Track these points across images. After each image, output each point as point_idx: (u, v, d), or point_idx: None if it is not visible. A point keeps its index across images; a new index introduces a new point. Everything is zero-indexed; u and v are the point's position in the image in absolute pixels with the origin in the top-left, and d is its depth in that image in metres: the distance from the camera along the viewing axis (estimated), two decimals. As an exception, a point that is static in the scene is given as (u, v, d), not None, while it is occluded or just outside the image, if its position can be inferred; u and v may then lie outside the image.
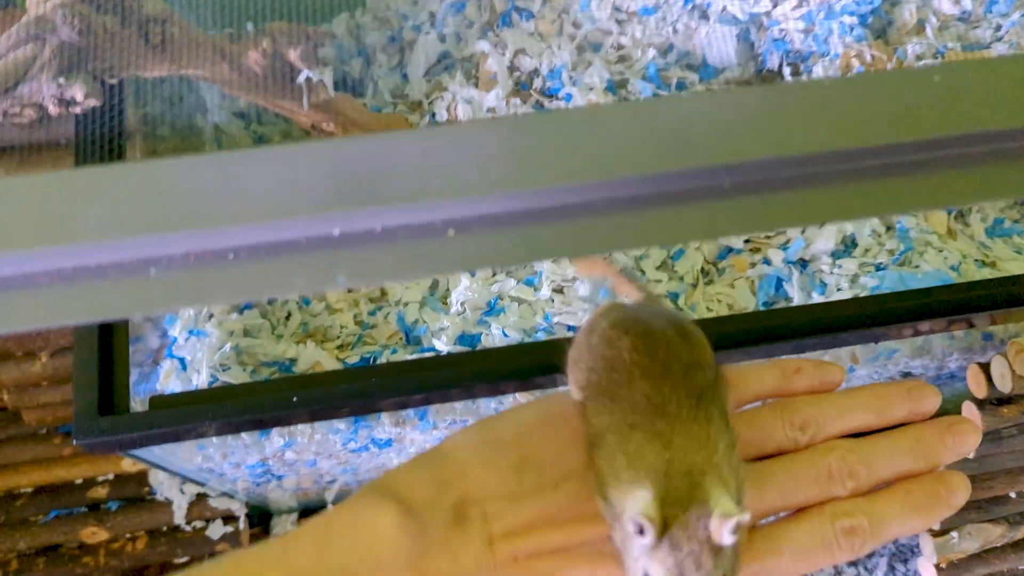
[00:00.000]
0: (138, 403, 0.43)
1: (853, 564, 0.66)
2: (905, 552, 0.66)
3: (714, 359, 0.31)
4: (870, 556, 0.66)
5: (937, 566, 0.58)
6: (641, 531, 0.26)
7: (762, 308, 0.52)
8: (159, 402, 0.41)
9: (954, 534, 0.58)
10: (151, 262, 0.28)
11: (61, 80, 0.39)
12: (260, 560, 0.29)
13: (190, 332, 0.51)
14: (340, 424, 0.48)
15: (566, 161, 0.28)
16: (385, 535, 0.29)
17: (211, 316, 0.52)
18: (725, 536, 0.25)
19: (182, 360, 0.50)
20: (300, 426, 0.48)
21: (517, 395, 0.48)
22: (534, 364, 0.43)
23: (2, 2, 0.48)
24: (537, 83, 0.61)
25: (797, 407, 0.32)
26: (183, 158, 0.28)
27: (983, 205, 0.55)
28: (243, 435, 0.48)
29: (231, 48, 0.48)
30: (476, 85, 0.61)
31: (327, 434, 0.49)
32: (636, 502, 0.26)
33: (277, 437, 0.49)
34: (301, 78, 0.51)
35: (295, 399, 0.40)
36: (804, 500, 0.31)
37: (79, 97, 0.40)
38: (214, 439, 0.48)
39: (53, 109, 0.41)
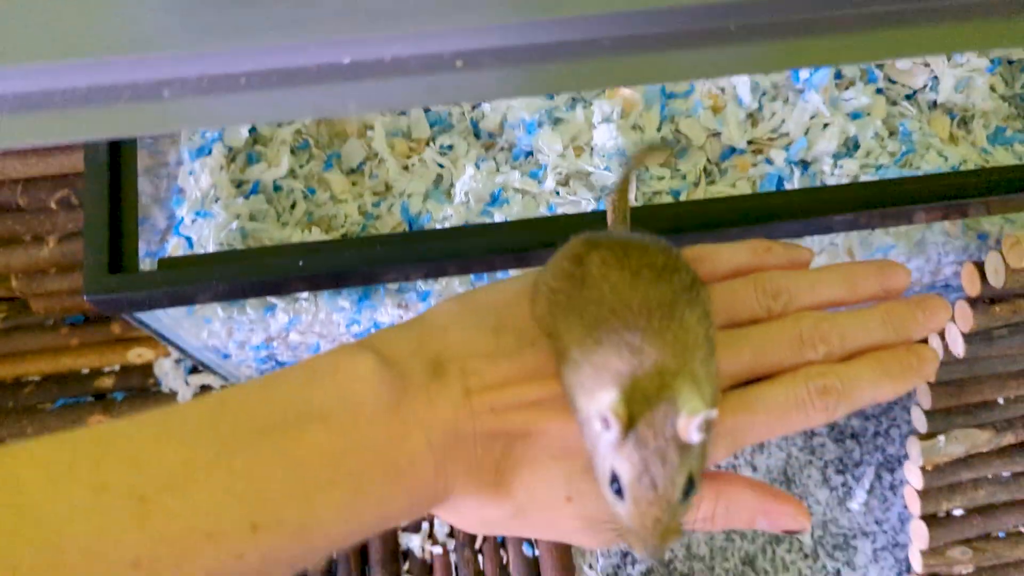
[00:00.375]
0: (147, 267, 0.44)
1: (841, 472, 0.68)
2: (892, 462, 0.67)
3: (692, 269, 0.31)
4: (857, 465, 0.68)
5: (923, 468, 0.60)
6: (607, 426, 0.26)
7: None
8: (168, 263, 0.42)
9: (940, 438, 0.59)
10: (164, 84, 0.28)
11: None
12: (243, 396, 0.29)
13: (197, 213, 0.52)
14: (344, 303, 0.49)
15: (574, -5, 0.28)
16: (365, 380, 0.29)
17: (217, 199, 0.53)
18: (692, 433, 0.25)
19: (188, 239, 0.51)
20: (304, 303, 0.49)
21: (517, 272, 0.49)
22: (537, 240, 0.43)
23: None
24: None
25: (770, 277, 0.33)
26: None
27: (986, 111, 0.56)
28: (248, 311, 0.49)
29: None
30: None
31: (331, 313, 0.50)
32: (603, 399, 0.27)
33: (282, 314, 0.49)
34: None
35: (301, 263, 0.41)
36: (778, 362, 0.32)
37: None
38: (220, 312, 0.48)
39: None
